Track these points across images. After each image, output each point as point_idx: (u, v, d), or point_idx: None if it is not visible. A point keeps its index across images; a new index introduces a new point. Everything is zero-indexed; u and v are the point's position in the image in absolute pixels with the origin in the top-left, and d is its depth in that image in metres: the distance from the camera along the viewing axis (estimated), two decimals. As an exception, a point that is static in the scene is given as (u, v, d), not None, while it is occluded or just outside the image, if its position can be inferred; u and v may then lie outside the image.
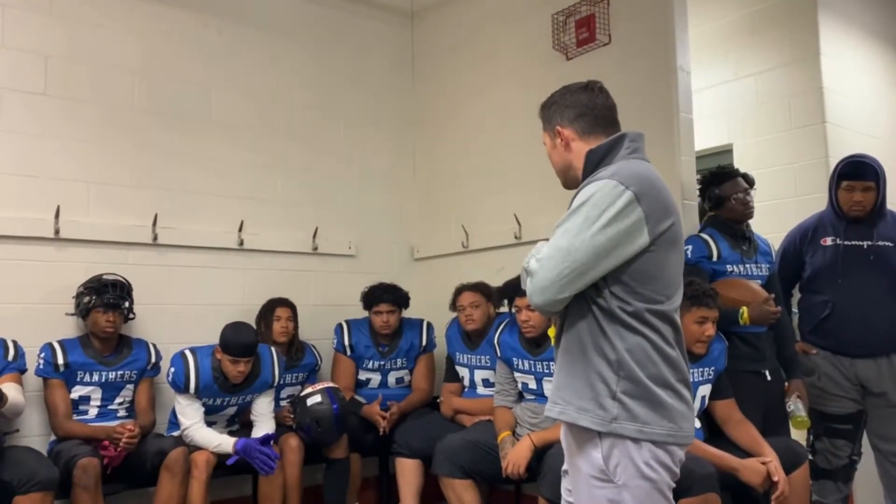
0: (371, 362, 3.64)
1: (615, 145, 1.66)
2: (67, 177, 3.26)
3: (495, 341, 3.09)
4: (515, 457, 2.75)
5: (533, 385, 2.98)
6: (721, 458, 2.44)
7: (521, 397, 3.07)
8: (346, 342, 3.63)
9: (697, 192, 3.09)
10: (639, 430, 1.53)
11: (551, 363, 2.85)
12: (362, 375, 3.65)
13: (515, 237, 3.69)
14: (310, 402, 3.18)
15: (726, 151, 4.11)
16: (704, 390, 2.64)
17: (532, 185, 3.63)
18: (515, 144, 3.77)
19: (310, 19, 4.11)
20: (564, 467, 1.76)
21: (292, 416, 3.25)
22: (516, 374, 3.03)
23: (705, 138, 3.81)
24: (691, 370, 2.57)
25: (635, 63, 3.26)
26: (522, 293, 2.86)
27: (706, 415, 2.69)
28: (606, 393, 1.54)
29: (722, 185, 2.92)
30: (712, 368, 2.64)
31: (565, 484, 1.77)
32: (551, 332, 1.81)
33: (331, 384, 3.33)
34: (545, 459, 2.67)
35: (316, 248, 3.97)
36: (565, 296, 1.56)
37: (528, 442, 2.77)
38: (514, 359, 3.01)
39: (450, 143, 4.26)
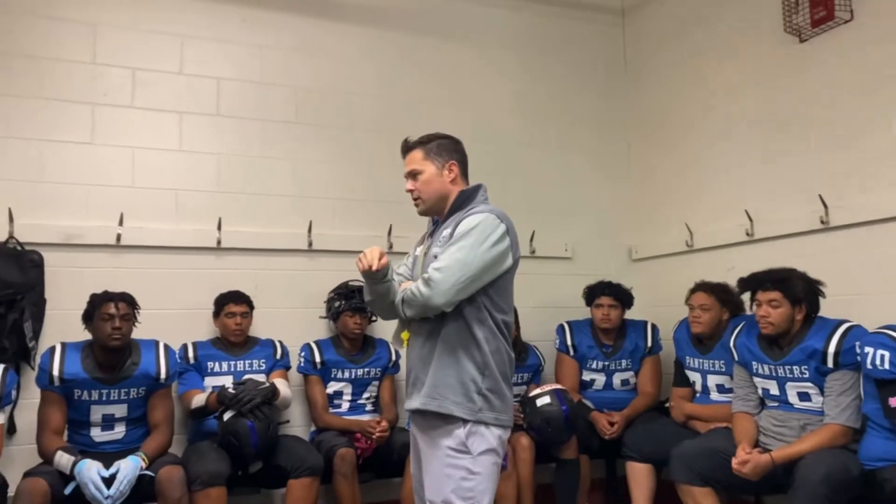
0: (595, 362, 3.65)
1: (476, 191, 2.20)
2: (318, 195, 3.66)
3: (731, 344, 2.97)
4: (754, 458, 2.61)
5: (775, 391, 2.81)
6: None
7: (762, 404, 2.91)
8: (569, 342, 3.67)
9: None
10: (495, 418, 2.02)
11: (794, 367, 2.70)
12: (586, 376, 3.67)
13: (747, 234, 3.51)
14: (539, 402, 3.25)
15: None
16: None
17: (766, 177, 3.44)
18: (745, 133, 3.59)
19: (520, 28, 4.23)
20: (414, 464, 2.17)
21: (522, 415, 3.35)
22: (756, 380, 2.88)
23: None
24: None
25: (885, 43, 2.96)
26: (766, 287, 2.74)
27: None
28: (474, 389, 2.01)
29: None
30: None
31: (417, 473, 2.14)
32: (405, 335, 2.14)
33: (558, 386, 3.38)
34: (798, 469, 2.49)
35: (533, 252, 4.05)
36: (459, 298, 1.99)
37: (768, 457, 2.59)
38: (753, 363, 2.86)
39: (666, 137, 4.14)
